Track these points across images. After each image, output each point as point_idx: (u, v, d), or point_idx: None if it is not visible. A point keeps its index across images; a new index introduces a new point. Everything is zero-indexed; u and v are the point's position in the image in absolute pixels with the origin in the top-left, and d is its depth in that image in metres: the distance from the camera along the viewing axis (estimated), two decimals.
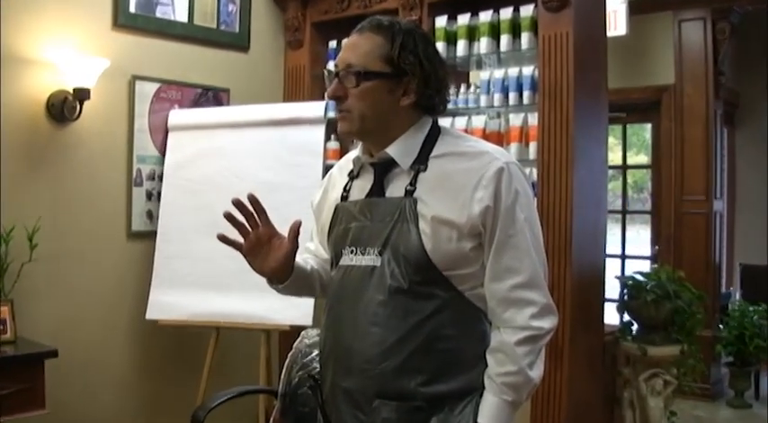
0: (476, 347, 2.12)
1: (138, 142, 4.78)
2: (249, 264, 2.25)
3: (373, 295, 2.11)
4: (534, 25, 4.41)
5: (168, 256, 4.66)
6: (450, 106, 4.70)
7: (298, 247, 2.23)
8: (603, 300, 4.67)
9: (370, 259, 2.14)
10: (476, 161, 2.10)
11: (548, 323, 2.08)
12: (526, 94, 4.48)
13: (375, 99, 2.12)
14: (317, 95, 5.33)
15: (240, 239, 2.23)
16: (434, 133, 2.19)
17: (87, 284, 4.56)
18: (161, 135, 4.86)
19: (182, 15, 4.97)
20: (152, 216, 4.83)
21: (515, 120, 4.52)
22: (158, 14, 4.86)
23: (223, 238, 2.22)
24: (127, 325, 4.76)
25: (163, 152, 4.85)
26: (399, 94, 2.13)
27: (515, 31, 4.53)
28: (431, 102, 2.18)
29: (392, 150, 2.16)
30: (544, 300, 2.08)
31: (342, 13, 5.29)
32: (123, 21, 4.68)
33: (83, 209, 4.52)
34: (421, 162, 2.14)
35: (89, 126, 4.52)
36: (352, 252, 2.19)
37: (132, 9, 4.72)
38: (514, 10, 4.52)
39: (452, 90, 4.76)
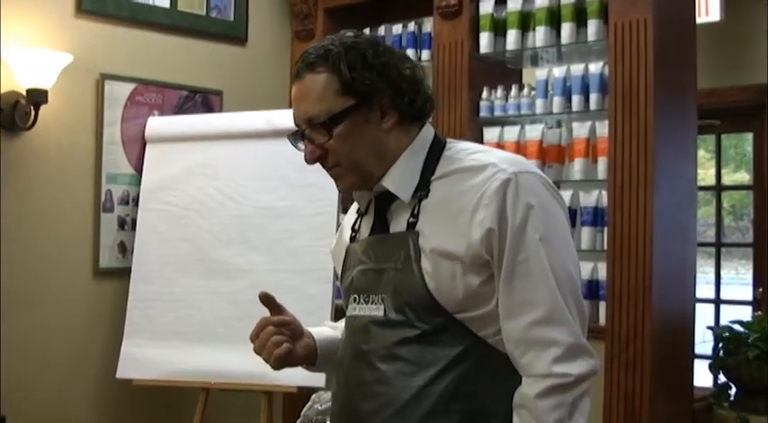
0: (506, 406, 2.09)
1: (107, 157, 4.82)
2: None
3: (378, 349, 2.16)
4: (604, 11, 4.43)
5: (145, 299, 4.68)
6: (498, 113, 4.79)
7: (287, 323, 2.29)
8: (693, 356, 4.65)
9: (374, 308, 2.20)
10: (478, 176, 2.11)
11: (577, 368, 2.03)
12: (593, 97, 4.51)
13: (357, 138, 2.17)
14: None
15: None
16: (437, 149, 2.25)
17: (42, 335, 4.56)
18: (137, 148, 4.90)
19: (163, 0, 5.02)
20: (125, 249, 4.87)
21: (580, 130, 4.55)
22: None
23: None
24: (93, 385, 4.78)
25: (139, 169, 4.89)
26: (378, 119, 2.18)
27: (580, 18, 4.56)
28: (414, 108, 2.21)
29: (388, 181, 2.21)
30: (570, 338, 2.03)
31: None
32: (89, 6, 4.73)
33: (38, 239, 4.55)
34: (423, 188, 2.19)
35: (46, 136, 4.57)
36: (355, 301, 2.27)
37: None
38: None
39: (501, 93, 4.83)
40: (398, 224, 2.21)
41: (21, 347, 4.49)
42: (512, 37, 4.77)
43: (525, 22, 4.76)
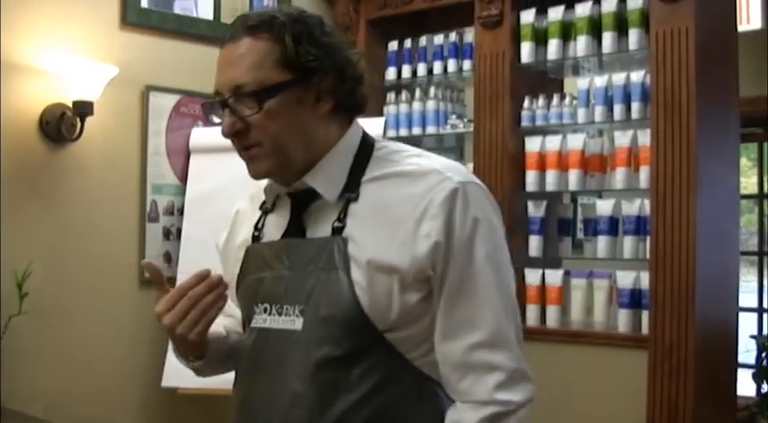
0: None
1: (152, 168, 4.84)
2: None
3: (295, 368, 1.97)
4: (645, 20, 4.42)
5: None
6: (539, 123, 4.78)
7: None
8: (736, 365, 4.63)
9: (288, 321, 2.00)
10: (421, 184, 1.96)
11: (519, 395, 1.93)
12: (635, 106, 4.49)
13: (287, 118, 1.98)
14: (373, 110, 5.37)
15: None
16: (367, 148, 2.09)
17: (90, 344, 4.57)
18: (181, 159, 4.92)
19: (206, 11, 5.07)
20: (170, 259, 4.89)
21: (622, 139, 4.53)
22: (177, 10, 4.96)
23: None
24: (139, 394, 4.79)
25: (184, 180, 4.91)
26: (312, 102, 2.00)
27: (621, 27, 4.56)
28: (353, 98, 2.06)
29: (312, 178, 2.04)
30: (513, 364, 1.94)
31: (404, 8, 5.33)
32: (134, 19, 4.76)
33: (84, 250, 4.56)
34: (351, 190, 2.03)
35: (92, 147, 4.59)
36: (265, 311, 2.07)
37: (145, 4, 4.82)
38: (620, 1, 4.56)
39: (542, 102, 4.83)
40: (319, 228, 2.03)
41: (68, 356, 4.51)
42: (553, 46, 4.77)
43: (566, 31, 4.76)
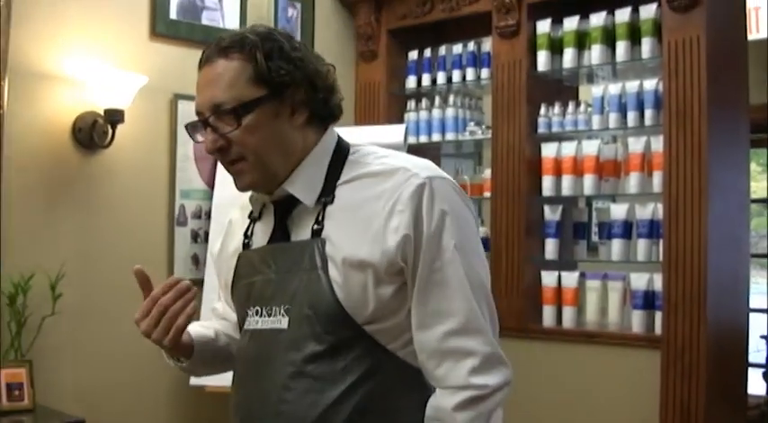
0: (420, 420, 2.02)
1: (181, 173, 4.90)
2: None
3: (282, 365, 2.03)
4: (657, 29, 4.48)
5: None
6: (555, 129, 4.84)
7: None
8: (746, 365, 4.68)
9: (276, 320, 2.07)
10: (389, 181, 2.02)
11: (495, 378, 1.97)
12: (648, 113, 4.55)
13: (266, 132, 2.05)
14: (394, 117, 5.46)
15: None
16: (341, 153, 2.15)
17: (121, 343, 4.58)
18: (208, 165, 4.96)
19: (232, 22, 5.11)
20: (198, 261, 4.94)
21: (635, 145, 4.58)
22: (204, 21, 5.02)
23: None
24: (168, 392, 4.84)
25: (211, 185, 4.95)
26: (288, 114, 2.07)
27: (634, 36, 4.61)
28: (327, 108, 2.13)
29: (291, 185, 2.10)
30: (487, 348, 1.98)
31: (423, 18, 5.38)
32: (163, 29, 4.84)
33: (115, 253, 4.59)
34: (327, 193, 2.08)
35: (123, 154, 4.65)
36: (256, 313, 2.13)
37: (173, 15, 4.88)
38: (633, 11, 4.59)
39: (558, 109, 4.87)
40: (301, 231, 2.09)
41: (100, 355, 4.55)
42: (568, 55, 4.83)
43: (581, 40, 4.81)
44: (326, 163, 2.11)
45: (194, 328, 2.32)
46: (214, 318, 2.47)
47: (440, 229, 1.98)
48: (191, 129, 2.13)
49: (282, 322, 2.05)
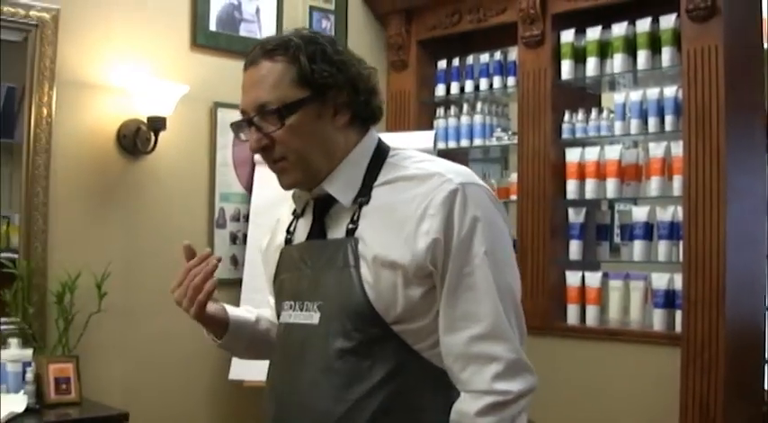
0: (444, 421, 2.01)
1: (220, 178, 5.01)
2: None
3: (313, 359, 2.05)
4: (677, 38, 4.53)
5: (256, 306, 4.74)
6: (579, 135, 4.90)
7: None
8: (764, 361, 4.70)
9: (308, 316, 2.09)
10: (424, 185, 2.02)
11: (518, 385, 1.96)
12: (668, 119, 4.60)
13: (308, 132, 2.07)
14: (424, 124, 5.53)
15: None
16: (381, 155, 2.16)
17: (163, 339, 4.71)
18: (246, 169, 5.06)
19: (269, 33, 5.16)
20: (237, 262, 5.03)
21: (656, 150, 4.65)
22: (242, 33, 5.14)
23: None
24: (208, 386, 4.95)
25: (249, 189, 5.05)
26: (331, 115, 2.09)
27: (654, 45, 4.67)
28: (368, 110, 2.15)
29: (330, 184, 2.11)
30: (512, 355, 1.96)
31: (452, 29, 5.45)
32: (203, 40, 4.96)
33: (158, 253, 4.68)
34: (364, 194, 2.10)
35: (165, 159, 4.77)
36: (290, 307, 2.16)
37: (213, 27, 5.01)
38: (653, 21, 4.65)
39: (581, 116, 4.94)
40: (337, 229, 2.11)
41: (143, 351, 4.66)
42: (591, 64, 4.89)
43: (604, 50, 4.87)
44: (365, 164, 2.13)
45: (236, 311, 2.39)
46: (267, 309, 2.49)
47: (471, 235, 1.98)
48: (235, 127, 2.17)
49: (314, 318, 2.07)
